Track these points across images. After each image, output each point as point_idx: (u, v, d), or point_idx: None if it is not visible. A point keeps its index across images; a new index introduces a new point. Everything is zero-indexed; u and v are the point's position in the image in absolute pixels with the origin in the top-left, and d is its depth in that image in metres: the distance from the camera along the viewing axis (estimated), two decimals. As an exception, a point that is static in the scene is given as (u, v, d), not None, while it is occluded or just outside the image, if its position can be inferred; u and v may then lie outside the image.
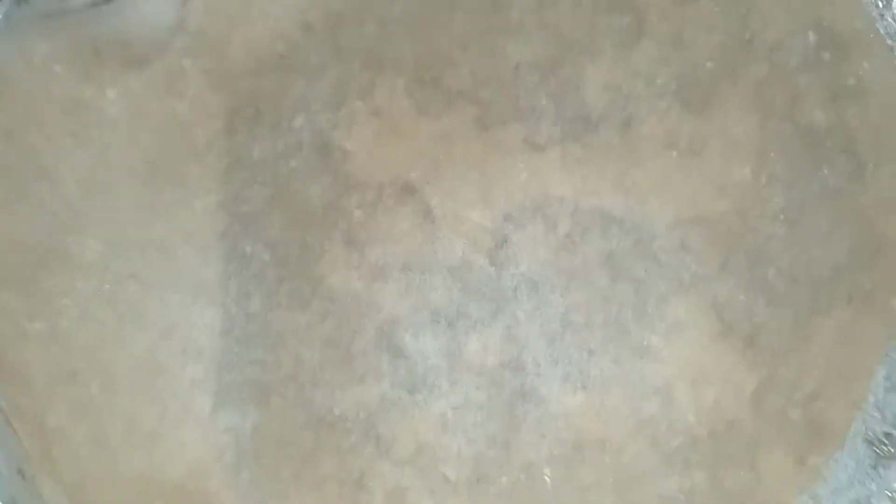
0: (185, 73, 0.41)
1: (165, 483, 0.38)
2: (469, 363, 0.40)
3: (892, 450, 0.43)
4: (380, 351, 0.40)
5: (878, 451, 0.43)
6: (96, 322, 0.40)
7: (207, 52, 0.42)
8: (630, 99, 0.42)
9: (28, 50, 0.40)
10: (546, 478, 0.40)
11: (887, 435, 0.43)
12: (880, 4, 0.43)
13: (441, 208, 0.41)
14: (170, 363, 0.40)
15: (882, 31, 0.42)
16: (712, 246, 0.41)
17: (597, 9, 0.42)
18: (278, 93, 0.42)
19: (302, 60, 0.42)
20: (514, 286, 0.40)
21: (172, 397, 0.39)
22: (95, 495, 0.38)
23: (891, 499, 0.43)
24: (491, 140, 0.41)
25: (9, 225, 0.40)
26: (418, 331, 0.40)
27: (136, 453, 0.39)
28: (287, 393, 0.40)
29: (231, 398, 0.40)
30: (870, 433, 0.43)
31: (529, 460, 0.40)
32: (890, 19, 0.43)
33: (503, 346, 0.40)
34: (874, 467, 0.43)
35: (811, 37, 0.42)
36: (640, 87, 0.42)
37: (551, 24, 0.42)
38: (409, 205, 0.41)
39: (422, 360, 0.40)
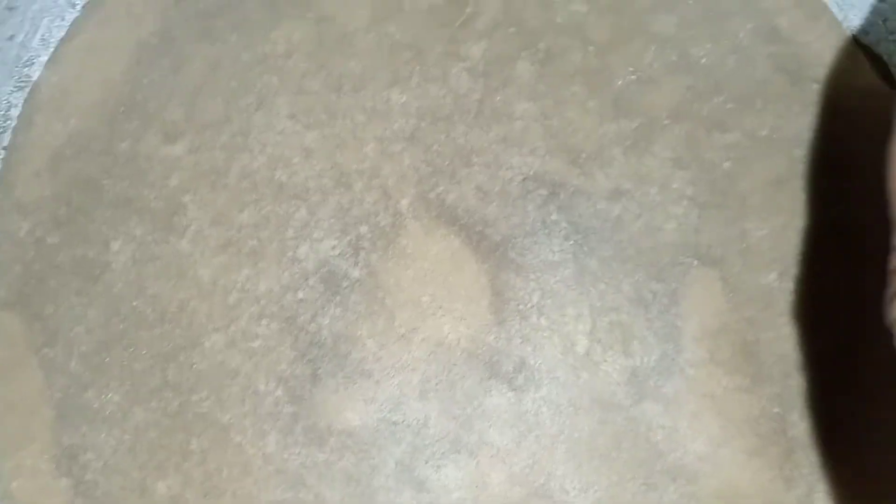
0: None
1: None
2: (494, 495, 0.39)
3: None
4: (401, 485, 0.39)
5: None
6: (119, 472, 0.39)
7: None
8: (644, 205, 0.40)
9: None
10: None
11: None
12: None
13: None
14: (190, 513, 0.39)
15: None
16: (741, 356, 0.39)
17: (604, 116, 0.40)
18: (281, 221, 0.41)
19: (303, 186, 0.41)
20: (535, 410, 0.39)
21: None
22: None
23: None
24: (500, 259, 0.40)
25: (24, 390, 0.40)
26: (440, 462, 0.39)
27: None
28: (310, 534, 0.39)
29: (253, 542, 0.39)
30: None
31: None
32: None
33: (529, 475, 0.39)
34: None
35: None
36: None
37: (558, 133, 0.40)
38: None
39: (445, 494, 0.39)
